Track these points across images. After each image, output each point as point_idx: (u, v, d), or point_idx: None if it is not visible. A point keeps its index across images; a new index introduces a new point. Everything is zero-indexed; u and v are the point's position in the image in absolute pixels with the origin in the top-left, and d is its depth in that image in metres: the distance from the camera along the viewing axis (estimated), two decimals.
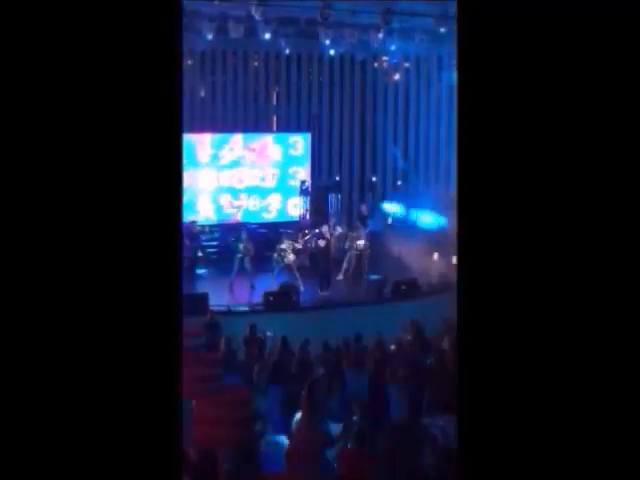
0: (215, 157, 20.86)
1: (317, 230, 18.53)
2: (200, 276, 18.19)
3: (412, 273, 18.15)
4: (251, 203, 21.36)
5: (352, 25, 18.78)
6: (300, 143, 21.82)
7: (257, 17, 16.35)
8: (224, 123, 21.87)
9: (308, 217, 21.19)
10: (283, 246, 17.65)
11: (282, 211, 21.60)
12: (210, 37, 18.21)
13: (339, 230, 18.86)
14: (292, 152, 21.69)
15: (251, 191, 21.33)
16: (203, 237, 19.43)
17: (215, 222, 20.61)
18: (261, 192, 21.43)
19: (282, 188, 21.62)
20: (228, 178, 21.04)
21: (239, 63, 22.27)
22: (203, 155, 20.72)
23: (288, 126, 22.75)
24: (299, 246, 17.98)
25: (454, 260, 18.30)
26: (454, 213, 4.25)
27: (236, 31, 17.91)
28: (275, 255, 17.63)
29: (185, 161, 20.09)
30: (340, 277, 18.47)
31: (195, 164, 20.52)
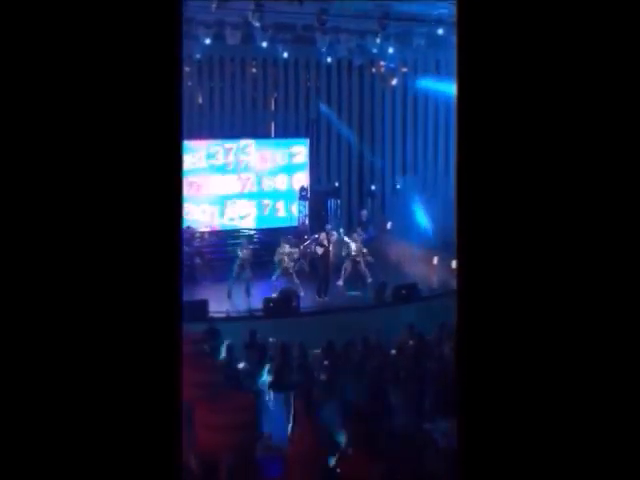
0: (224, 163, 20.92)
1: (316, 236, 18.53)
2: (199, 283, 18.17)
3: (411, 278, 18.15)
4: (255, 209, 21.36)
5: (349, 30, 18.80)
6: (301, 149, 21.83)
7: (254, 23, 16.36)
8: (222, 130, 21.87)
9: (307, 222, 21.18)
10: (286, 250, 17.62)
11: (285, 216, 21.63)
12: (207, 44, 18.22)
13: (335, 235, 18.86)
14: (294, 158, 21.70)
15: (256, 196, 21.34)
16: (199, 243, 19.39)
17: (211, 228, 20.58)
18: (268, 197, 21.43)
19: (284, 194, 21.63)
20: (234, 183, 21.06)
21: (236, 69, 22.30)
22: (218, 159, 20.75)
23: (286, 132, 22.76)
24: (295, 254, 17.92)
25: (453, 264, 18.36)
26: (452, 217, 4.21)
27: (233, 38, 17.93)
28: (276, 259, 17.59)
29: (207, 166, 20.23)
30: (340, 283, 18.47)
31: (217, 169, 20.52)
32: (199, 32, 17.66)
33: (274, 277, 17.66)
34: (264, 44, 18.51)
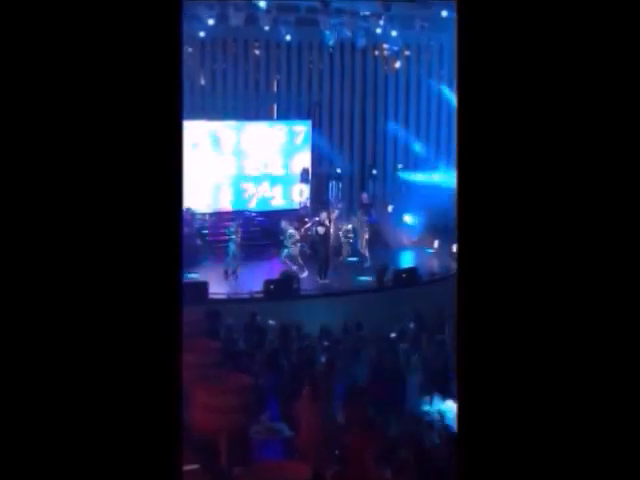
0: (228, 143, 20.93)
1: (317, 218, 18.53)
2: (199, 264, 18.16)
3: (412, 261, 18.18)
4: (261, 191, 21.36)
5: (352, 12, 18.74)
6: (302, 131, 21.81)
7: (258, 4, 16.32)
8: (224, 111, 21.83)
9: (309, 205, 21.17)
10: (290, 231, 17.63)
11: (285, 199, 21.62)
12: (210, 25, 18.16)
13: (337, 212, 18.86)
14: (295, 140, 21.67)
15: (260, 179, 21.34)
16: (199, 224, 19.37)
17: (211, 210, 20.52)
18: (271, 180, 21.46)
19: (286, 176, 21.63)
20: (239, 165, 21.08)
21: (239, 51, 22.24)
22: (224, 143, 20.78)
23: (288, 114, 22.72)
24: (296, 235, 17.92)
25: (454, 248, 18.39)
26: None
27: (236, 19, 17.88)
28: (284, 239, 17.59)
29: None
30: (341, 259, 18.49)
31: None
32: (202, 13, 17.60)
33: (282, 256, 17.64)
34: (267, 26, 18.44)
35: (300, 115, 22.80)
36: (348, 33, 20.00)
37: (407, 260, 18.96)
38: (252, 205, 21.24)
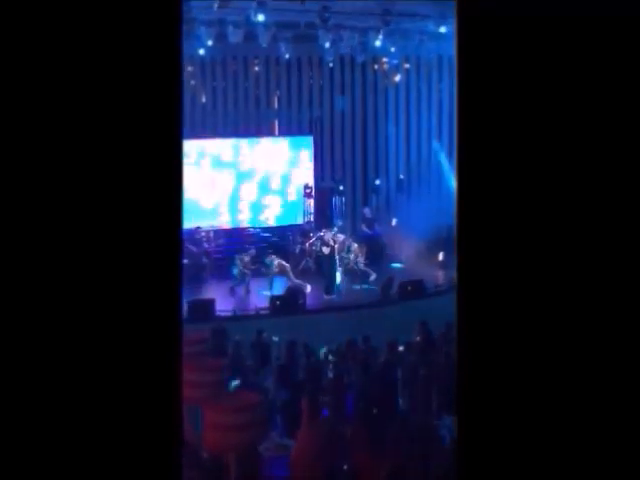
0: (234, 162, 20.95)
1: (321, 234, 18.57)
2: (206, 282, 18.20)
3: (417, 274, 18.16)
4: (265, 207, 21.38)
5: (352, 27, 18.79)
6: (304, 146, 21.83)
7: (257, 20, 16.37)
8: (225, 128, 21.87)
9: (312, 220, 21.18)
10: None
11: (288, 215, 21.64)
12: (209, 43, 18.22)
13: (341, 237, 18.89)
14: (296, 156, 21.68)
15: (263, 195, 21.36)
16: (209, 243, 19.41)
17: (216, 228, 20.56)
18: (274, 195, 21.47)
19: (289, 192, 21.65)
20: (241, 182, 21.11)
21: (239, 68, 22.31)
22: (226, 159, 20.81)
23: (290, 130, 22.75)
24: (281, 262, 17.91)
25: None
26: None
27: (235, 36, 17.92)
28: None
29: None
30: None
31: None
32: (201, 31, 17.65)
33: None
34: (266, 43, 18.49)
35: (301, 130, 22.84)
36: (347, 48, 20.03)
37: (412, 272, 18.92)
38: (256, 221, 21.26)
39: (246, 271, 17.38)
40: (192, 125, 20.63)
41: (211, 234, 20.02)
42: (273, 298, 16.15)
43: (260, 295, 17.15)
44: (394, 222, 21.74)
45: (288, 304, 16.13)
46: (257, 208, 21.29)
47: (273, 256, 17.91)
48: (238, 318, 15.64)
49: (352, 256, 18.63)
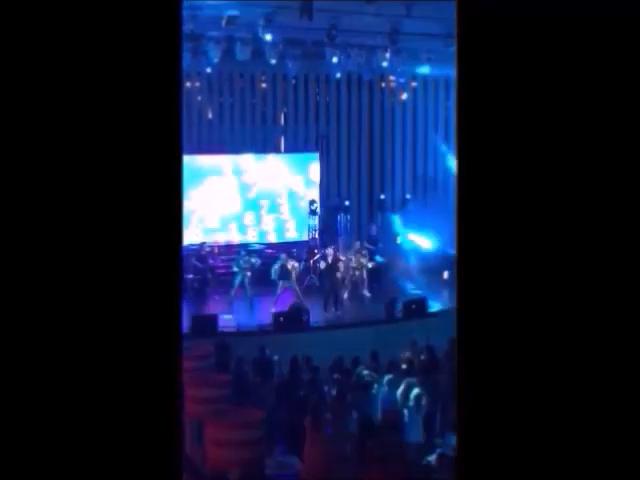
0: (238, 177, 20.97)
1: (324, 251, 18.62)
2: (209, 297, 18.20)
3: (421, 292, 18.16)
4: (270, 223, 21.40)
5: (359, 45, 18.84)
6: (310, 163, 21.88)
7: (265, 37, 16.44)
8: (232, 145, 21.92)
9: (317, 237, 21.21)
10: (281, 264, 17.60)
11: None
12: (217, 59, 18.29)
13: (348, 254, 18.90)
14: (303, 172, 21.73)
15: (269, 211, 21.38)
16: (214, 259, 19.43)
17: (223, 243, 20.61)
18: (280, 212, 21.49)
19: (295, 208, 21.68)
20: (248, 198, 21.12)
21: (246, 85, 22.37)
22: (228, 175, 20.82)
23: (296, 147, 22.79)
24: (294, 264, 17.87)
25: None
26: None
27: (243, 53, 17.98)
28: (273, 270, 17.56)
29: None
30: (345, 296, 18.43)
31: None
32: (209, 48, 17.72)
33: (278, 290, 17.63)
34: (274, 60, 18.55)
35: (308, 147, 22.88)
36: (355, 66, 20.08)
37: (416, 290, 18.90)
38: (262, 237, 21.29)
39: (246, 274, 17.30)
40: (199, 141, 20.70)
41: (216, 250, 20.03)
42: (277, 315, 16.13)
43: (264, 311, 17.12)
44: (399, 240, 21.74)
45: (291, 321, 16.11)
46: (262, 224, 21.31)
47: (284, 255, 17.81)
48: (242, 334, 15.61)
49: (356, 273, 18.61)
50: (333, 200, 22.85)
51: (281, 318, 16.04)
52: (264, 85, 22.52)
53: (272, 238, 21.35)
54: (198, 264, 18.09)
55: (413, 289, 18.97)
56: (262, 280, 18.07)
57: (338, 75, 21.72)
